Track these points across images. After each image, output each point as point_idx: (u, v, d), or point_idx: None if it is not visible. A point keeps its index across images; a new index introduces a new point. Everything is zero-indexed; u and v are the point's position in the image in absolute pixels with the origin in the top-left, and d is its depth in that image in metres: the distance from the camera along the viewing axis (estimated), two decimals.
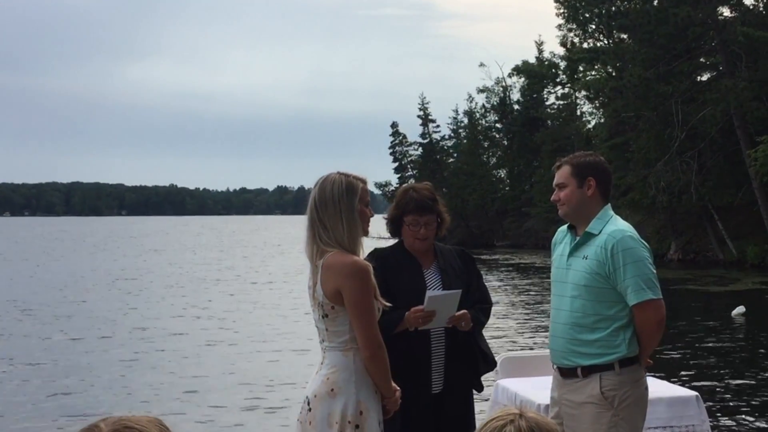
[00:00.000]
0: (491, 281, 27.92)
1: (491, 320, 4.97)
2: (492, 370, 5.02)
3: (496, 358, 5.12)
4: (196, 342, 15.67)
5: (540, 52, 65.00)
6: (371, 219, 4.04)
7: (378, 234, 3.99)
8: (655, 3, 38.59)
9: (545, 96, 64.11)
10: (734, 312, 18.55)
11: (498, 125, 68.74)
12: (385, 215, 4.98)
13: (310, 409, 3.86)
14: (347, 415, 3.80)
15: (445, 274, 4.74)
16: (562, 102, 62.49)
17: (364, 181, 3.99)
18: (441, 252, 4.84)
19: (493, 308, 4.97)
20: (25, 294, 24.91)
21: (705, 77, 40.81)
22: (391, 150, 72.42)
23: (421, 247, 4.76)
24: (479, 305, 4.78)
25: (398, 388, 4.00)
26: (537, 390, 5.42)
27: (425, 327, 4.53)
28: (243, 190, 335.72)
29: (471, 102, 69.71)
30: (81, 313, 20.24)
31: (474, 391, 4.86)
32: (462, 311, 4.56)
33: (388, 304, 4.00)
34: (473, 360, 4.75)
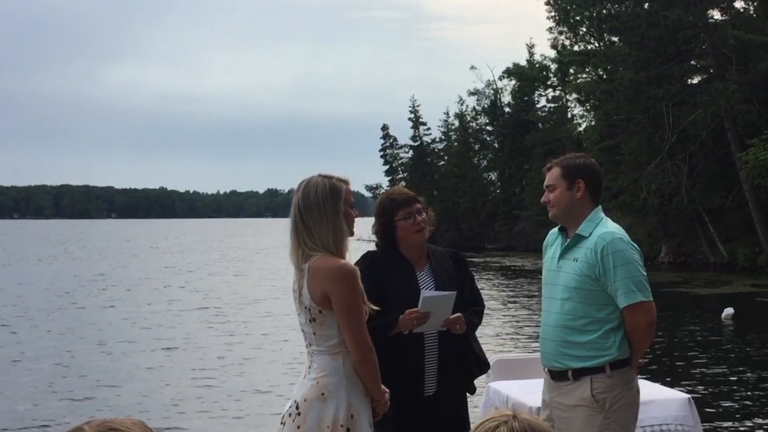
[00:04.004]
0: (482, 284, 27.89)
1: (482, 323, 4.96)
2: (485, 372, 5.01)
3: (488, 361, 5.10)
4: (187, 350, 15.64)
5: (531, 54, 65.15)
6: (358, 219, 4.02)
7: (369, 237, 3.97)
8: (646, 6, 38.68)
9: (536, 98, 64.23)
10: (724, 314, 18.58)
11: (489, 128, 68.84)
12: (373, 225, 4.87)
13: (299, 413, 3.83)
14: (339, 418, 3.78)
15: (438, 277, 4.71)
16: (553, 104, 62.63)
17: (346, 182, 3.97)
18: (433, 254, 4.81)
19: (484, 311, 4.96)
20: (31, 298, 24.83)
21: (696, 80, 40.95)
22: (381, 152, 72.58)
23: (422, 239, 4.69)
24: (472, 308, 4.77)
25: (387, 390, 3.98)
26: (529, 392, 5.41)
27: (419, 329, 4.52)
28: (233, 192, 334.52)
29: (462, 104, 69.93)
30: (78, 319, 20.15)
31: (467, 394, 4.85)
32: (456, 314, 4.54)
33: (375, 308, 3.97)
34: (466, 363, 4.74)
